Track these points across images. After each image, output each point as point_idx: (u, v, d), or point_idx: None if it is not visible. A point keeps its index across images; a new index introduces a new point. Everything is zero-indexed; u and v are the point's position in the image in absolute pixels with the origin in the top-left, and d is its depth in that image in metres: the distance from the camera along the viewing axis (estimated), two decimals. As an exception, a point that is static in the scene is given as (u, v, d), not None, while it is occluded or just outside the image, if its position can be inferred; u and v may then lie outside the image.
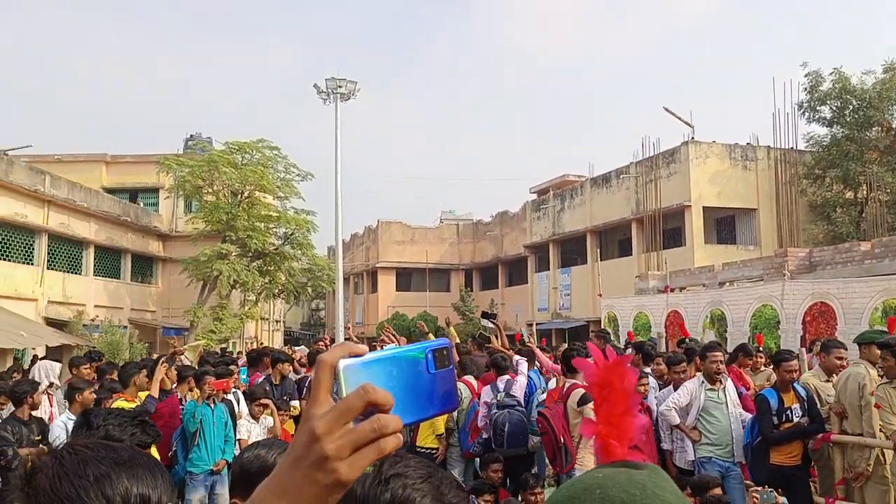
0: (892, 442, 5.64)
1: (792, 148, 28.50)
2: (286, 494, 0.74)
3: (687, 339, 10.57)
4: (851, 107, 25.79)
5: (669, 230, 28.76)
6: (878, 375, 6.25)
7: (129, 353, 20.75)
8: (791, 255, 18.75)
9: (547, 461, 7.09)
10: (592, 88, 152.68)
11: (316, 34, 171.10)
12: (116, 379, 7.61)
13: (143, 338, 25.26)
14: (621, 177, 31.27)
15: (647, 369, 7.60)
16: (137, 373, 7.27)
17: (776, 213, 27.83)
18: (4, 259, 21.90)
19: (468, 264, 44.47)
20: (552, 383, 7.31)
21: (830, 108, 26.32)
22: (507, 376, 7.41)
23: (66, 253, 25.17)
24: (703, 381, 6.64)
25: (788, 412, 6.22)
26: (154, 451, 6.43)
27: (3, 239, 21.99)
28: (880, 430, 5.92)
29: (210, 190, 27.13)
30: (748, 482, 6.25)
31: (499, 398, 7.15)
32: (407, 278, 44.57)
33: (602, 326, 21.44)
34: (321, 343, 12.11)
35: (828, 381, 6.79)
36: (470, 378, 7.99)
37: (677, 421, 6.65)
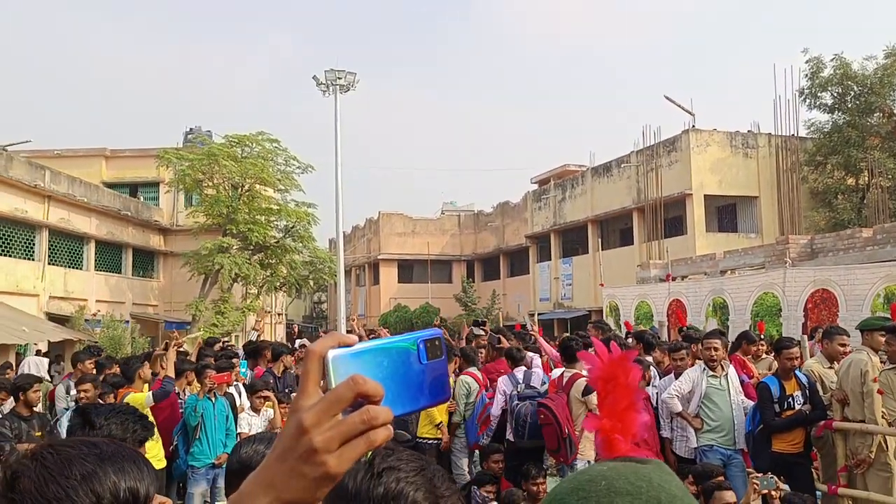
0: (895, 429, 5.63)
1: (793, 135, 28.42)
2: (273, 487, 0.72)
3: (684, 328, 10.57)
4: (853, 93, 25.71)
5: (671, 219, 28.72)
6: (881, 362, 6.24)
7: (131, 347, 20.77)
8: (792, 243, 18.72)
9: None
10: (592, 78, 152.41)
11: (317, 25, 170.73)
12: (119, 374, 7.60)
13: (145, 332, 25.27)
14: (622, 166, 31.21)
15: (649, 358, 7.59)
16: (141, 366, 7.28)
17: (777, 201, 27.78)
18: (5, 255, 21.91)
19: (470, 255, 44.47)
20: (555, 373, 7.30)
21: (831, 94, 26.24)
22: (523, 367, 7.42)
23: (66, 248, 25.17)
24: (704, 369, 6.64)
25: (790, 400, 6.21)
26: (158, 447, 6.47)
27: (3, 235, 21.99)
28: (882, 417, 5.92)
29: (210, 183, 27.09)
30: (750, 470, 6.25)
31: (519, 389, 7.14)
32: (409, 270, 44.58)
33: (604, 316, 21.44)
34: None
35: (830, 367, 6.78)
36: (475, 370, 7.98)
37: (679, 409, 6.64)
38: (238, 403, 7.23)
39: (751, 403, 6.57)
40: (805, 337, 8.74)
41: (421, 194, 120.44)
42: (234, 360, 8.50)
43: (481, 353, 8.67)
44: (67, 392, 8.33)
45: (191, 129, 35.20)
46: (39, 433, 6.59)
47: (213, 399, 6.82)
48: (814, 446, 6.52)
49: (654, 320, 18.30)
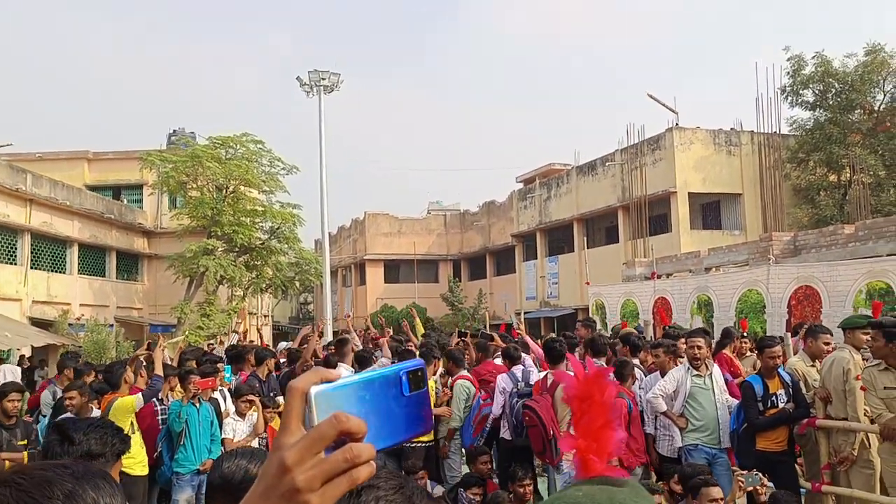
0: (878, 426, 5.68)
1: (775, 132, 28.62)
2: None
3: (667, 327, 10.63)
4: (834, 90, 25.92)
5: (655, 217, 28.84)
6: (863, 359, 6.29)
7: (115, 351, 20.61)
8: (776, 240, 18.85)
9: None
10: (576, 76, 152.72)
11: (301, 25, 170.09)
12: (101, 380, 7.52)
13: (129, 336, 25.09)
14: (607, 164, 31.31)
15: (635, 360, 7.61)
16: (125, 371, 7.21)
17: (761, 198, 27.98)
18: (-13, 259, 21.70)
19: (456, 255, 44.46)
20: (539, 374, 7.33)
21: (813, 91, 26.44)
22: (521, 366, 7.46)
23: (49, 252, 24.96)
24: (689, 368, 6.67)
25: (773, 398, 6.25)
26: (143, 453, 6.43)
27: (-15, 239, 21.78)
28: (865, 415, 5.97)
29: (194, 185, 26.94)
30: (734, 468, 6.29)
31: (518, 387, 7.17)
32: (395, 270, 44.52)
33: (590, 314, 21.48)
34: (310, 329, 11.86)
35: (812, 365, 6.83)
36: (466, 373, 7.98)
37: (664, 408, 6.67)
38: (223, 409, 7.19)
39: (735, 402, 6.60)
40: (788, 334, 8.80)
41: (407, 194, 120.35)
42: (219, 365, 8.45)
43: (467, 355, 8.69)
44: (54, 398, 8.26)
45: (174, 131, 34.98)
46: (24, 441, 6.52)
47: (198, 405, 6.78)
48: (797, 444, 6.57)
49: (639, 318, 18.37)
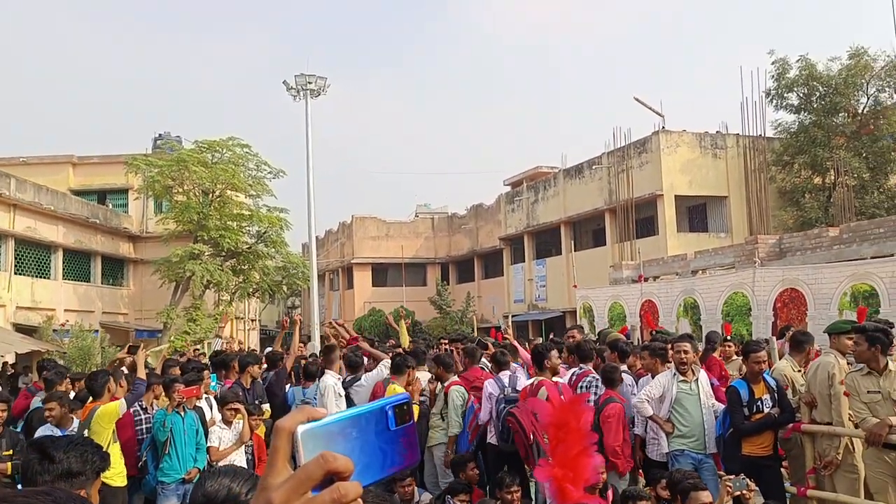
0: (862, 430, 5.71)
1: (760, 135, 28.81)
2: None
3: (654, 332, 10.66)
4: (818, 93, 26.13)
5: (642, 219, 28.96)
6: (848, 364, 6.33)
7: (101, 357, 20.45)
8: (761, 242, 18.97)
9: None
10: (563, 80, 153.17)
11: (286, 29, 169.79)
12: (83, 388, 7.45)
13: (115, 341, 24.87)
14: (594, 167, 31.41)
15: (623, 366, 7.62)
16: (108, 380, 7.15)
17: (746, 200, 28.14)
18: (-30, 265, 21.49)
19: (444, 258, 44.46)
20: (521, 381, 7.34)
21: (797, 95, 26.65)
22: (508, 371, 7.46)
23: (33, 257, 24.75)
24: (675, 374, 6.69)
25: (759, 403, 6.28)
26: (121, 463, 6.37)
27: (-32, 245, 21.57)
28: (849, 419, 6.00)
29: (180, 189, 26.80)
30: (721, 473, 6.31)
31: (506, 393, 7.18)
32: (383, 273, 44.47)
33: (577, 317, 21.55)
34: (329, 327, 11.76)
35: (799, 370, 6.86)
36: (457, 378, 7.97)
37: (651, 412, 6.68)
38: (209, 417, 7.13)
39: (721, 407, 6.62)
40: (774, 337, 8.84)
41: (394, 197, 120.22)
42: (205, 373, 8.39)
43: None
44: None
45: (160, 135, 34.83)
46: (9, 451, 6.45)
47: (183, 413, 6.73)
48: (782, 449, 6.60)
49: (626, 321, 18.43)
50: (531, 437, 6.37)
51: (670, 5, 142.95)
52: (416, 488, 6.79)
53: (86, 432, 5.79)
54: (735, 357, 8.80)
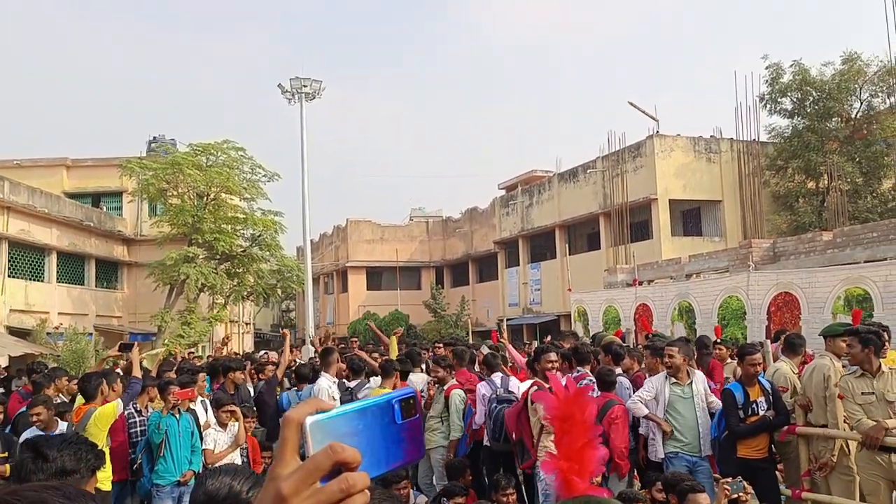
0: (857, 432, 5.73)
1: (754, 140, 28.94)
2: None
3: (649, 336, 10.69)
4: (811, 98, 26.24)
5: (637, 223, 29.02)
6: (843, 367, 6.35)
7: (94, 360, 20.37)
8: (755, 246, 19.02)
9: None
10: (560, 82, 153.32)
11: (286, 29, 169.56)
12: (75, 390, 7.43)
13: (109, 345, 24.74)
14: (588, 171, 31.49)
15: (618, 369, 7.64)
16: (101, 383, 7.12)
17: (740, 205, 28.26)
18: (-37, 268, 21.40)
19: (439, 261, 44.47)
20: (513, 382, 7.41)
21: (791, 99, 26.75)
22: (500, 373, 7.50)
23: (27, 260, 24.68)
24: (668, 376, 6.70)
25: (754, 405, 6.29)
26: (109, 468, 6.34)
27: (-39, 247, 21.49)
28: (844, 422, 6.02)
29: (175, 192, 26.76)
30: (717, 475, 6.31)
31: (498, 393, 7.22)
32: (377, 277, 44.44)
33: (572, 321, 21.55)
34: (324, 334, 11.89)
35: (796, 373, 6.89)
36: (454, 381, 7.99)
37: (645, 411, 6.68)
38: (204, 420, 7.11)
39: (719, 405, 6.60)
40: (768, 341, 8.86)
41: (389, 201, 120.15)
42: (201, 375, 8.38)
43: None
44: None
45: (154, 138, 34.78)
46: (5, 454, 6.42)
47: (178, 415, 6.71)
48: (777, 451, 6.61)
49: (621, 325, 18.45)
50: (513, 434, 6.44)
51: (670, 5, 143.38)
52: (411, 490, 6.78)
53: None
54: (730, 360, 8.83)
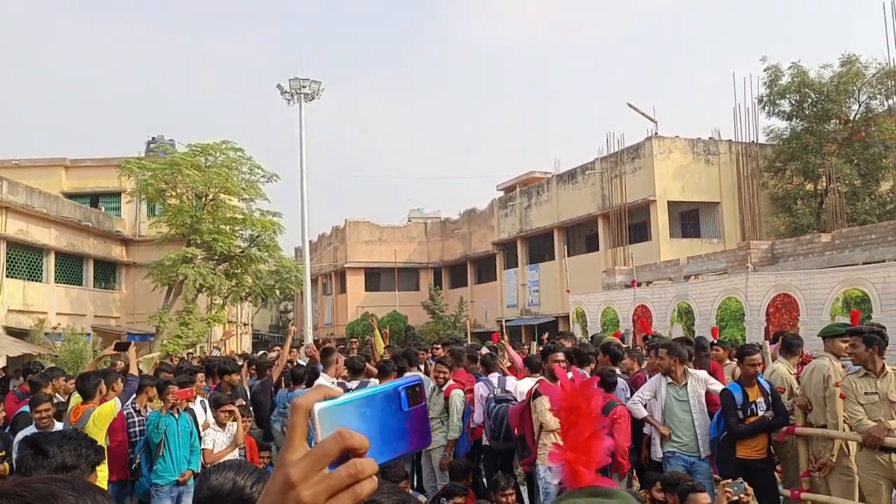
0: (859, 433, 5.73)
1: (753, 142, 28.96)
2: None
3: (647, 337, 10.69)
4: (810, 100, 26.28)
5: (635, 225, 29.03)
6: (842, 367, 6.35)
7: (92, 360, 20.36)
8: (754, 248, 19.04)
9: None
10: (556, 85, 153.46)
11: (286, 29, 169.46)
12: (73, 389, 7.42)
13: (107, 345, 24.73)
14: (587, 173, 31.50)
15: (616, 369, 7.65)
16: (99, 382, 7.11)
17: (739, 206, 28.28)
18: (-39, 268, 21.38)
19: (437, 263, 44.47)
20: (510, 382, 7.45)
21: (790, 101, 26.80)
22: (497, 373, 7.53)
23: (25, 260, 24.65)
24: (664, 377, 6.71)
25: (753, 406, 6.29)
26: (105, 468, 6.33)
27: (-41, 247, 21.46)
28: (844, 422, 6.02)
29: (173, 193, 26.75)
30: (717, 477, 6.31)
31: (495, 393, 7.24)
32: (376, 278, 44.42)
33: (570, 322, 21.55)
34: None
35: (794, 373, 6.90)
36: (452, 381, 8.00)
37: (644, 413, 6.71)
38: (203, 420, 7.10)
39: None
40: (767, 342, 8.87)
41: (387, 202, 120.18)
42: (199, 374, 8.38)
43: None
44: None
45: (153, 139, 34.76)
46: (3, 453, 6.42)
47: (177, 415, 6.70)
48: (775, 452, 6.61)
49: (620, 326, 18.46)
50: (514, 430, 6.46)
51: (669, 7, 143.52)
52: (410, 492, 6.78)
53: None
54: (728, 361, 8.82)
